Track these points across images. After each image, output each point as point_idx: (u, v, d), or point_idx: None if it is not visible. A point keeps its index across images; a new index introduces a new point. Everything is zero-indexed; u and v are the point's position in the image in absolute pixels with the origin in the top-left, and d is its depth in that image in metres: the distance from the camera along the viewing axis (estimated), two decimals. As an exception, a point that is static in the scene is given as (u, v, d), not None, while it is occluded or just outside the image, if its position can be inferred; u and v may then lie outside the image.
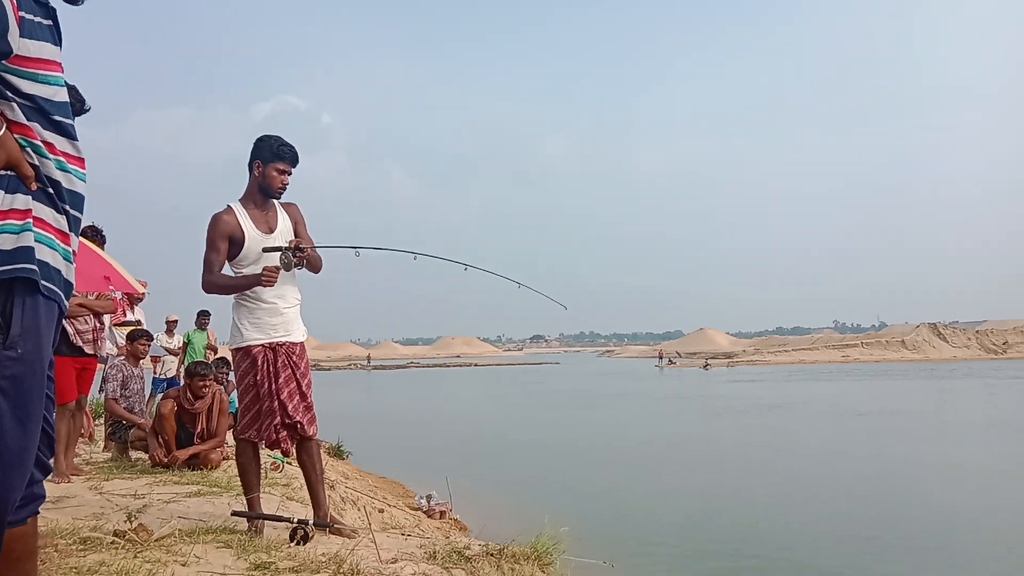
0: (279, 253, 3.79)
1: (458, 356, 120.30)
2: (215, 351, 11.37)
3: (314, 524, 3.82)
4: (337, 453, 13.11)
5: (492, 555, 3.67)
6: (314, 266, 4.07)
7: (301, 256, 3.84)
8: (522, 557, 3.71)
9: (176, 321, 12.19)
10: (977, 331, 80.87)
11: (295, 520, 3.79)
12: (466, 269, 4.38)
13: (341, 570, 3.03)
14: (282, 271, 3.85)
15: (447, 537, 5.37)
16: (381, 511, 7.49)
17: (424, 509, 9.60)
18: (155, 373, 11.69)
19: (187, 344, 11.56)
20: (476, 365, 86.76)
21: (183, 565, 3.06)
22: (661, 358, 77.98)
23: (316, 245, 4.04)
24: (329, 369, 77.61)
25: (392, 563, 3.39)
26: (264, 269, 3.80)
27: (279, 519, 3.94)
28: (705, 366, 66.70)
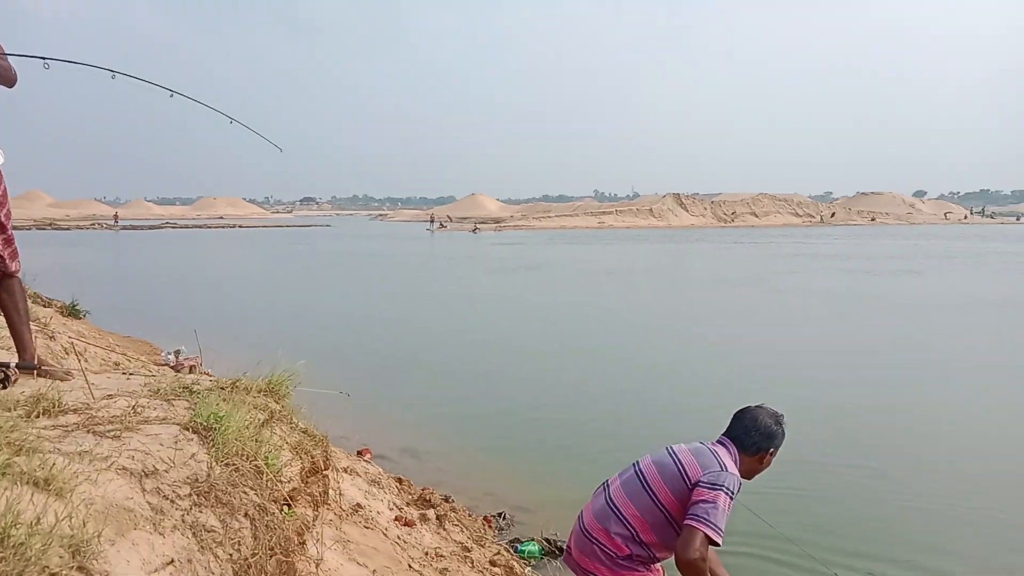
0: None
1: (221, 217, 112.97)
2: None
3: (17, 367, 3.48)
4: (72, 312, 11.98)
5: (223, 388, 3.59)
6: (1, 77, 3.49)
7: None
8: (255, 390, 3.67)
9: None
10: (712, 202, 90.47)
11: (-8, 364, 3.42)
12: (172, 96, 3.96)
13: (40, 405, 2.80)
14: None
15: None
16: (116, 364, 7.03)
17: (171, 364, 9.17)
18: None
19: None
20: (240, 227, 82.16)
21: None
22: (432, 222, 79.08)
23: (-3, 51, 3.44)
24: (68, 229, 69.63)
25: (107, 399, 3.19)
26: None
27: (-29, 364, 3.53)
28: (474, 230, 68.78)
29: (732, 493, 2.68)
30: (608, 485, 2.94)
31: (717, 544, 2.60)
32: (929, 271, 29.04)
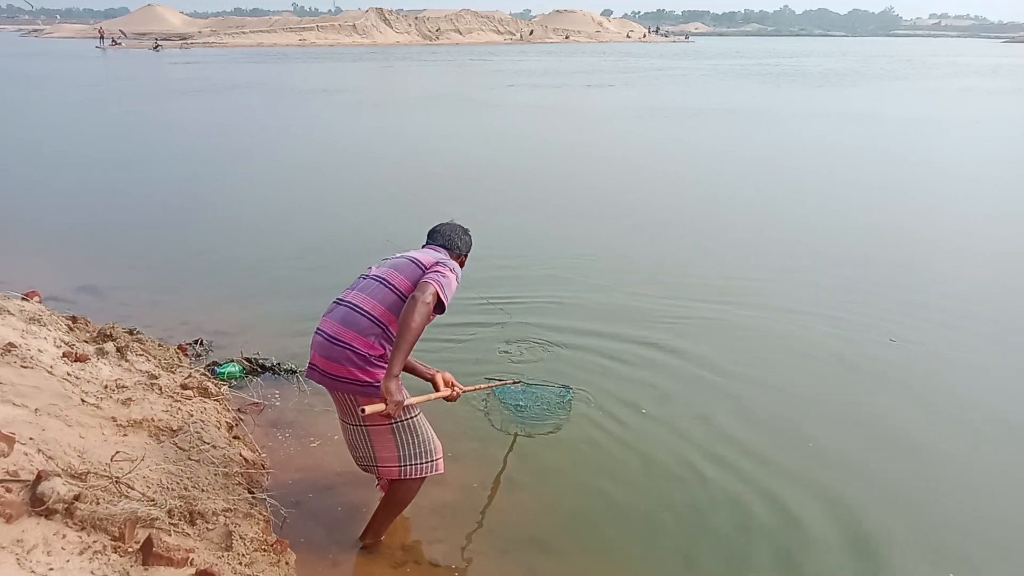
0: None
1: None
2: None
3: None
4: None
5: None
6: None
7: None
8: None
9: None
10: (416, 18, 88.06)
11: None
12: None
13: None
14: None
15: None
16: None
17: None
18: None
19: None
20: None
21: None
22: (103, 38, 68.32)
23: None
24: None
25: None
26: None
27: None
28: (156, 47, 60.69)
29: (458, 277, 3.09)
30: (342, 299, 3.06)
31: (443, 306, 2.90)
32: (619, 85, 31.47)
